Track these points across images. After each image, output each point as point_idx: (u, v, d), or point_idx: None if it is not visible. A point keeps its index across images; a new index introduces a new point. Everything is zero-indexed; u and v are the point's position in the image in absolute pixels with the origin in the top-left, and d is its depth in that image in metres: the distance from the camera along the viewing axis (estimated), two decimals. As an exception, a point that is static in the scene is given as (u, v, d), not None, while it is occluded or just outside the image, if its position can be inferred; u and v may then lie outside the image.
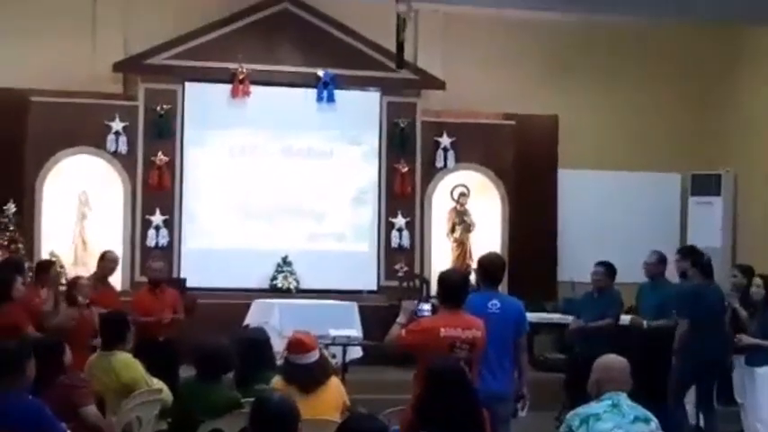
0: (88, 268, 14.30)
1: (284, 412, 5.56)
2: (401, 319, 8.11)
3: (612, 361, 6.66)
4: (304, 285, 16.50)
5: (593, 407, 6.47)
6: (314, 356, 7.58)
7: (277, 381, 7.55)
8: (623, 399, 6.48)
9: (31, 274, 13.02)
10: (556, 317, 15.43)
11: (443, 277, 8.39)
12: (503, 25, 17.44)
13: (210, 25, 16.40)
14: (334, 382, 7.76)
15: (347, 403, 7.69)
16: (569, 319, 13.23)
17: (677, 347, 11.62)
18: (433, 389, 6.52)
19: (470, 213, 17.20)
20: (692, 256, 12.35)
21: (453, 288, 8.18)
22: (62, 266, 15.00)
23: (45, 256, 15.27)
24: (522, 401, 8.97)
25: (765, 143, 17.14)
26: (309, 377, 7.49)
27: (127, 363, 8.87)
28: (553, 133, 17.78)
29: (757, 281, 11.59)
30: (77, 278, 11.93)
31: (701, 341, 11.46)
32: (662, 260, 12.65)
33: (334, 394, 7.60)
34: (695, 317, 11.55)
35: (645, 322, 12.29)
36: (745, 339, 11.27)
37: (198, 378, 7.74)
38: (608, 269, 12.48)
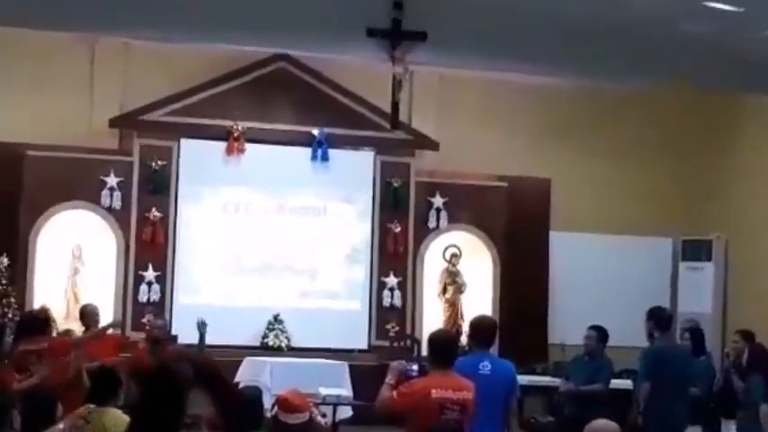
0: (80, 323, 14.27)
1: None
2: (390, 379, 8.10)
3: (604, 426, 6.64)
4: (295, 343, 16.50)
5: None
6: (302, 417, 7.52)
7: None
8: (613, 464, 6.46)
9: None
10: (546, 379, 15.44)
11: (433, 338, 8.40)
12: (497, 88, 17.57)
13: (207, 83, 16.52)
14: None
15: None
16: (558, 381, 13.23)
17: (641, 411, 11.32)
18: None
19: (462, 274, 17.23)
20: (654, 315, 11.94)
21: (443, 349, 8.18)
22: (53, 321, 14.96)
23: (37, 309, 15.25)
24: (512, 463, 8.94)
25: (757, 210, 17.22)
26: None
27: (116, 420, 8.82)
28: (545, 196, 17.87)
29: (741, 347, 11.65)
30: (67, 331, 11.94)
31: (664, 406, 11.17)
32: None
33: None
34: (657, 379, 11.23)
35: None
36: None
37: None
38: (600, 333, 12.50)
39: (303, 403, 7.54)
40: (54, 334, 13.37)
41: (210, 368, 6.93)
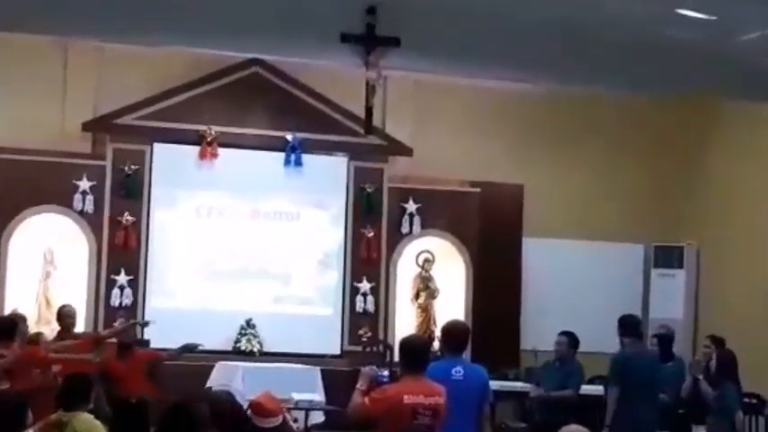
0: (51, 326, 14.25)
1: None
2: (360, 385, 8.09)
3: (576, 431, 6.66)
4: (267, 348, 16.48)
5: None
6: (276, 421, 7.54)
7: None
8: (585, 469, 6.48)
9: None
10: (518, 385, 15.45)
11: (405, 343, 8.39)
12: (471, 94, 17.61)
13: (180, 87, 16.49)
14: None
15: None
16: (530, 386, 13.24)
17: (609, 418, 11.28)
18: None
19: (435, 280, 17.25)
20: (623, 322, 11.77)
21: (415, 354, 8.18)
22: (24, 326, 14.88)
23: (7, 313, 15.20)
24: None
25: (728, 217, 17.31)
26: None
27: (89, 426, 8.80)
28: (518, 202, 17.92)
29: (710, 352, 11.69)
30: (38, 334, 11.89)
31: (633, 411, 11.08)
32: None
33: None
34: (625, 385, 11.15)
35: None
36: None
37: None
38: (571, 339, 12.54)
39: (276, 407, 7.57)
40: (22, 339, 13.36)
41: (226, 408, 7.10)
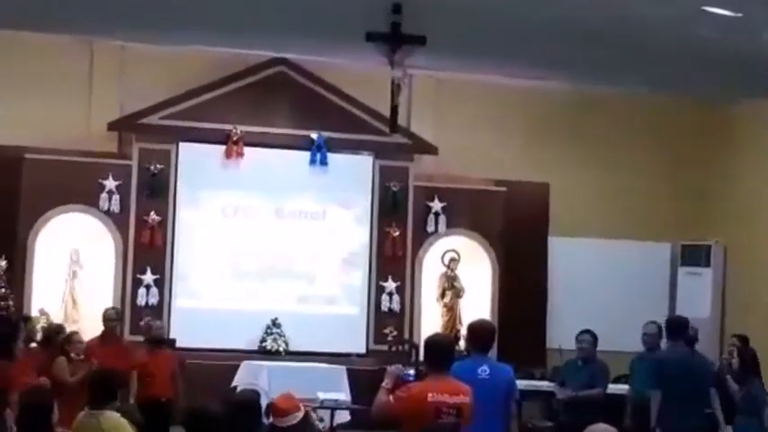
0: (78, 326, 14.31)
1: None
2: (386, 383, 8.09)
3: (603, 430, 6.62)
4: (293, 347, 16.48)
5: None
6: (296, 418, 7.58)
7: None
8: (612, 468, 6.44)
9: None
10: (544, 384, 15.40)
11: (430, 342, 8.39)
12: (495, 93, 17.57)
13: (206, 86, 16.51)
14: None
15: None
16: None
17: (654, 424, 11.17)
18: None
19: (460, 279, 17.22)
20: (668, 326, 11.71)
21: (440, 353, 8.17)
22: (30, 328, 14.83)
23: (35, 313, 15.28)
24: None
25: (755, 216, 17.24)
26: None
27: (116, 424, 8.80)
28: (544, 200, 17.87)
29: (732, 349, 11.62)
30: (72, 334, 11.93)
31: (677, 416, 10.92)
32: (660, 330, 12.59)
33: None
34: (667, 388, 10.98)
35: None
36: None
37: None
38: (594, 338, 12.50)
39: (292, 405, 7.62)
40: (25, 340, 13.37)
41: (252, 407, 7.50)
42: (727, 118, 17.94)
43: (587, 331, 12.55)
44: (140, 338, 13.60)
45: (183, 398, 12.37)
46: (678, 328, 11.46)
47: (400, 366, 8.43)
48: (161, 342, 13.05)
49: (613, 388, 12.81)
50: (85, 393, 9.44)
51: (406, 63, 13.58)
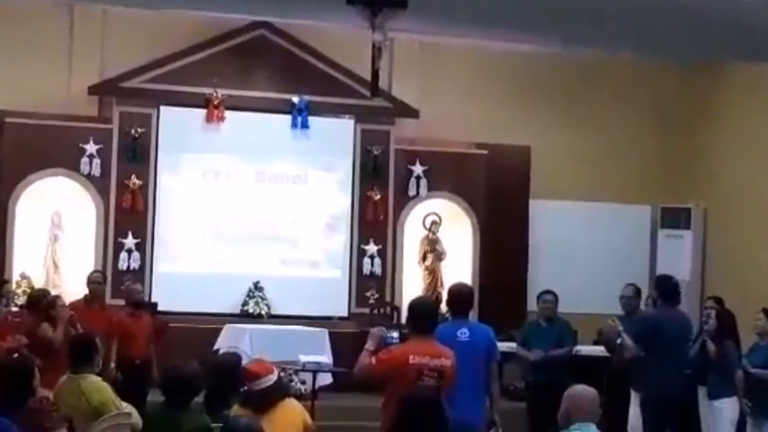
0: (60, 290, 14.31)
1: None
2: (369, 345, 8.14)
3: (582, 391, 6.66)
4: (275, 311, 16.53)
5: (561, 437, 6.49)
6: (269, 381, 7.67)
7: (236, 408, 7.65)
8: (592, 429, 6.51)
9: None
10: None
11: (413, 305, 8.45)
12: (477, 56, 17.55)
13: (186, 50, 16.46)
14: (293, 402, 7.85)
15: (308, 422, 7.75)
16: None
17: (634, 379, 11.41)
18: (407, 417, 6.48)
19: (442, 242, 17.26)
20: (660, 286, 11.77)
21: (423, 316, 8.23)
22: (32, 288, 14.95)
23: (16, 277, 15.30)
24: (494, 429, 9.02)
25: (735, 178, 17.29)
26: (264, 399, 7.59)
27: (97, 386, 8.84)
28: (525, 164, 17.89)
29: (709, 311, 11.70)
30: (56, 298, 11.95)
31: (660, 376, 11.02)
32: (638, 293, 12.68)
33: (290, 414, 7.68)
34: (652, 347, 11.07)
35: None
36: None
37: (166, 404, 7.72)
38: (556, 297, 12.61)
39: (263, 368, 7.75)
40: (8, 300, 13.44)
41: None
42: (708, 82, 17.96)
43: (549, 291, 12.66)
44: (122, 302, 13.62)
45: (155, 362, 12.48)
46: (674, 289, 11.46)
47: (383, 329, 8.50)
48: (140, 305, 13.13)
49: (591, 350, 12.87)
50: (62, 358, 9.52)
51: (387, 26, 13.51)
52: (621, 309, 12.58)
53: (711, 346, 11.52)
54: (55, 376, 8.89)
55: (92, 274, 13.58)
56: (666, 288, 11.51)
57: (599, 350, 13.08)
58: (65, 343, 10.44)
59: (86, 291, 13.30)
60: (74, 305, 12.30)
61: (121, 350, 12.48)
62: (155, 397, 9.78)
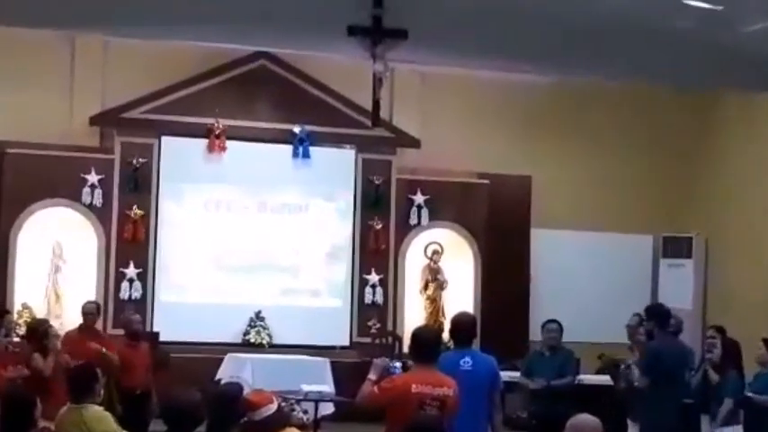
0: (61, 320, 14.31)
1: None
2: (372, 375, 8.13)
3: (585, 420, 6.62)
4: (277, 340, 16.52)
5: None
6: (269, 410, 7.65)
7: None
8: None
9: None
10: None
11: (416, 334, 8.43)
12: (478, 86, 17.60)
13: (188, 80, 16.51)
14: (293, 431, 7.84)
15: None
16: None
17: (631, 409, 11.36)
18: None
19: (443, 271, 17.26)
20: (655, 315, 11.63)
21: (425, 345, 8.21)
22: (33, 318, 14.93)
23: (18, 307, 15.28)
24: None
25: (736, 208, 17.32)
26: (264, 429, 7.57)
27: (99, 416, 8.81)
28: (526, 193, 17.92)
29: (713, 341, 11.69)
30: (48, 328, 11.91)
31: (659, 405, 10.99)
32: (641, 322, 12.63)
33: None
34: (654, 377, 11.01)
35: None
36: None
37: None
38: (560, 326, 12.54)
39: (262, 398, 7.73)
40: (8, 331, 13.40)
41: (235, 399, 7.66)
42: (709, 111, 18.01)
43: (554, 320, 12.60)
44: (122, 332, 13.60)
45: (155, 392, 12.42)
46: (667, 316, 11.41)
47: (386, 359, 8.49)
48: (139, 335, 13.05)
49: (595, 379, 12.83)
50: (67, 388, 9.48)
51: (388, 57, 13.56)
52: (628, 338, 12.55)
53: (714, 375, 11.52)
54: (46, 406, 8.84)
55: (85, 304, 13.49)
56: (660, 315, 11.46)
57: (601, 379, 13.04)
58: (57, 372, 10.46)
59: (83, 320, 13.26)
60: (68, 335, 12.29)
61: (121, 380, 12.41)
62: (156, 427, 9.75)
